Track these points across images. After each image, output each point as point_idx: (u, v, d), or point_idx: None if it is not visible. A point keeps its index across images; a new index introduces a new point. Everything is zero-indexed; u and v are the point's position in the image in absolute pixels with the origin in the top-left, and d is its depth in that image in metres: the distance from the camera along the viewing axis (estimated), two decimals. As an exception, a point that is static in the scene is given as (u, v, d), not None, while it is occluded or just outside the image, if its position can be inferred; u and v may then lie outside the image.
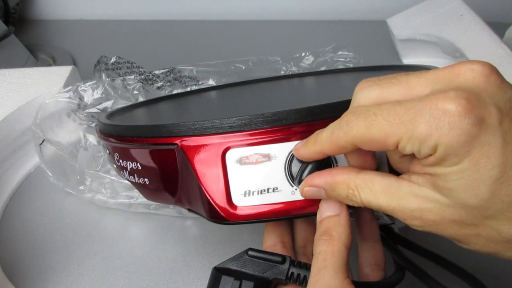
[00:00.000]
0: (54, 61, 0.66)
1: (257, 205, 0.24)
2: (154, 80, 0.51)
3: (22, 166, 0.46)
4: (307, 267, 0.24)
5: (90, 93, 0.45)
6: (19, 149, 0.45)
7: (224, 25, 0.75)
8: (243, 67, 0.52)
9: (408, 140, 0.18)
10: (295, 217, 0.25)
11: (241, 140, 0.23)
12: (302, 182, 0.23)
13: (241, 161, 0.24)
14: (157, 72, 0.51)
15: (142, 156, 0.27)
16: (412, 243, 0.30)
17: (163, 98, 0.43)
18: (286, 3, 0.75)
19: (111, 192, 0.40)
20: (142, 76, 0.50)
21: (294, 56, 0.54)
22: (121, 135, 0.28)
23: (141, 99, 0.48)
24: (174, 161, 0.25)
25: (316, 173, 0.22)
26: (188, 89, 0.51)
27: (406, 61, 0.59)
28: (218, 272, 0.24)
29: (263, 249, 0.26)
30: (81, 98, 0.45)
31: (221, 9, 0.77)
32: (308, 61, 0.53)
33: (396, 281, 0.26)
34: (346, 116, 0.20)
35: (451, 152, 0.17)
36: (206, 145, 0.24)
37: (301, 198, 0.23)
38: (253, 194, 0.24)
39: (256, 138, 0.23)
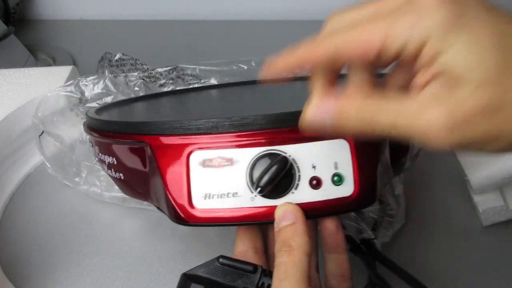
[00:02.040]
0: (54, 61, 0.66)
1: (217, 208, 0.23)
2: (157, 77, 0.51)
3: (22, 166, 0.46)
4: None
5: (91, 87, 0.45)
6: (19, 149, 0.45)
7: (224, 25, 0.75)
8: (246, 67, 0.52)
9: (394, 35, 0.17)
10: (254, 224, 0.25)
11: (206, 143, 0.23)
12: (302, 114, 0.21)
13: (204, 164, 0.23)
14: (159, 70, 0.51)
15: (117, 151, 0.28)
16: (390, 261, 0.30)
17: (154, 96, 0.43)
18: (286, 3, 0.75)
19: (106, 185, 0.40)
20: (145, 73, 0.50)
21: None
22: (99, 129, 0.28)
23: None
24: (144, 158, 0.25)
25: (319, 101, 0.21)
26: (190, 87, 0.51)
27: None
28: (188, 279, 0.23)
29: (234, 255, 0.26)
30: (82, 93, 0.45)
31: (221, 9, 0.77)
32: None
33: None
34: (324, 32, 0.19)
35: (443, 32, 0.16)
36: (172, 145, 0.24)
37: (261, 205, 0.23)
38: (213, 198, 0.23)
39: (221, 142, 0.23)
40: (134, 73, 0.49)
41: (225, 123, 0.23)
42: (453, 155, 0.38)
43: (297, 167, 0.23)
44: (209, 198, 0.23)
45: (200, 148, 0.23)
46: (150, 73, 0.51)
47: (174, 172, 0.24)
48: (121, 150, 0.27)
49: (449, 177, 0.44)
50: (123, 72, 0.51)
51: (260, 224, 0.26)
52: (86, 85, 0.46)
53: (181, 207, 0.24)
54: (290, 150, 0.23)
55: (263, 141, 0.23)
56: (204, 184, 0.24)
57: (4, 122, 0.42)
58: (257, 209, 0.23)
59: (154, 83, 0.51)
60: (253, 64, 0.52)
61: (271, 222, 0.23)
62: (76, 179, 0.41)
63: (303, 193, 0.23)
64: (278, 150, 0.23)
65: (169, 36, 0.72)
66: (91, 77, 0.46)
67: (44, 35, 0.75)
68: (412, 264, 0.34)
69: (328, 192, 0.23)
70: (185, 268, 0.37)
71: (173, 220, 0.24)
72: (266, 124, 0.23)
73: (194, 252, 0.38)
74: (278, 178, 0.22)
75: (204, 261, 0.37)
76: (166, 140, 0.24)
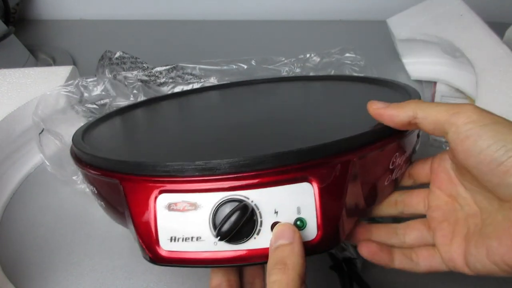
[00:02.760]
0: (54, 61, 0.66)
1: (182, 251, 0.24)
2: (157, 76, 0.51)
3: (22, 166, 0.46)
4: None
5: (91, 89, 0.46)
6: (19, 149, 0.45)
7: (224, 25, 0.75)
8: (245, 67, 0.52)
9: None
10: (218, 267, 0.25)
11: (171, 186, 0.23)
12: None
13: (169, 207, 0.23)
14: (159, 68, 0.51)
15: (96, 182, 0.28)
16: (367, 284, 0.30)
17: (141, 109, 0.42)
18: (286, 3, 0.75)
19: None
20: (145, 72, 0.50)
21: (299, 57, 0.53)
22: (78, 159, 0.29)
23: (140, 98, 0.48)
24: (118, 194, 0.25)
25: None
26: (190, 86, 0.51)
27: (406, 61, 0.59)
28: None
29: None
30: (82, 93, 0.46)
31: (220, 9, 0.77)
32: (313, 62, 0.53)
33: None
34: None
35: None
36: (141, 186, 0.24)
37: (224, 249, 0.23)
38: (178, 240, 0.24)
39: (186, 186, 0.23)
40: (134, 72, 0.49)
41: (190, 166, 0.23)
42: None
43: (259, 212, 0.23)
44: (174, 241, 0.24)
45: (166, 191, 0.23)
46: (150, 72, 0.51)
47: (142, 213, 0.24)
48: (99, 182, 0.27)
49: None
50: (123, 70, 0.52)
51: (224, 267, 0.26)
52: (86, 86, 0.46)
53: (149, 247, 0.24)
54: (253, 196, 0.23)
55: (226, 186, 0.23)
56: (170, 227, 0.24)
57: (4, 122, 0.42)
58: (220, 253, 0.23)
59: (154, 82, 0.51)
60: (253, 64, 0.52)
61: (235, 265, 0.24)
62: (74, 178, 0.41)
63: (265, 238, 0.23)
64: (240, 196, 0.23)
65: (169, 36, 0.73)
66: (91, 79, 0.46)
67: (44, 35, 0.75)
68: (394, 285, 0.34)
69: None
70: (185, 268, 0.37)
71: (144, 257, 0.25)
72: (229, 169, 0.22)
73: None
74: (239, 226, 0.22)
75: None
76: (135, 180, 0.24)
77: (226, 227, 0.22)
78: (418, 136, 0.30)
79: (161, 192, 0.24)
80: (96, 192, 0.28)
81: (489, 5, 0.67)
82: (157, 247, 0.24)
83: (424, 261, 0.26)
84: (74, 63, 0.66)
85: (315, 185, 0.23)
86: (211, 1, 0.76)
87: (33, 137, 0.46)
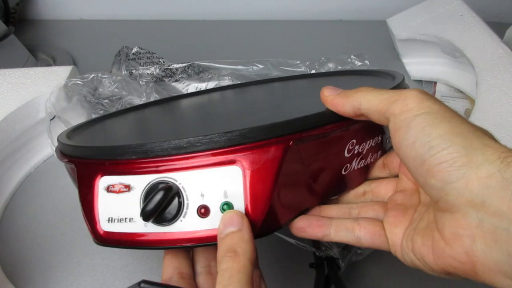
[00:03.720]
0: (54, 61, 0.66)
1: (118, 232, 0.24)
2: (174, 72, 0.52)
3: (22, 166, 0.46)
4: None
5: (105, 84, 0.47)
6: (19, 149, 0.45)
7: (223, 26, 0.75)
8: (261, 66, 0.53)
9: None
10: (151, 249, 0.25)
11: (109, 168, 0.24)
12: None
13: (108, 189, 0.24)
14: (176, 65, 0.52)
15: (67, 168, 0.29)
16: (344, 286, 0.30)
17: (127, 110, 0.42)
18: (286, 3, 0.75)
19: None
20: (161, 69, 0.51)
21: (313, 62, 0.54)
22: (57, 149, 0.30)
23: (152, 97, 0.49)
24: (75, 178, 0.26)
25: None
26: (205, 84, 0.52)
27: (406, 61, 0.59)
28: None
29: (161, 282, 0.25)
30: (96, 87, 0.47)
31: (220, 9, 0.77)
32: (327, 68, 0.53)
33: None
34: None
35: None
36: (86, 168, 0.25)
37: (153, 231, 0.24)
38: (114, 221, 0.24)
39: (121, 168, 0.24)
40: (150, 68, 0.51)
41: (125, 149, 0.23)
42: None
43: (186, 195, 0.23)
44: (111, 222, 0.24)
45: (106, 173, 0.24)
46: (166, 68, 0.51)
47: (86, 195, 0.25)
48: (66, 167, 0.29)
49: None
50: (140, 65, 0.52)
51: (155, 250, 0.26)
52: (101, 81, 0.47)
53: (92, 227, 0.25)
54: (180, 178, 0.23)
55: (156, 168, 0.23)
56: (107, 208, 0.24)
57: (4, 122, 0.42)
58: (150, 235, 0.24)
59: (170, 78, 0.51)
60: (269, 65, 0.53)
61: (166, 247, 0.24)
62: None
63: (191, 221, 0.23)
64: (169, 178, 0.23)
65: (169, 36, 0.73)
66: (106, 75, 0.47)
67: (44, 35, 0.75)
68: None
69: (216, 221, 0.23)
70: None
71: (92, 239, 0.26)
72: (160, 152, 0.23)
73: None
74: (162, 207, 0.22)
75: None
76: (82, 163, 0.25)
77: (149, 206, 0.22)
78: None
79: (102, 174, 0.24)
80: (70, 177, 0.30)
81: (489, 5, 0.67)
82: (97, 227, 0.25)
83: (367, 237, 0.24)
84: (74, 63, 0.66)
85: (243, 169, 0.22)
86: (211, 1, 0.76)
87: (33, 137, 0.46)
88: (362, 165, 0.27)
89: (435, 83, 0.56)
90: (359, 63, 0.53)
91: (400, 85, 0.29)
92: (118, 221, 0.24)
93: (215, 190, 0.23)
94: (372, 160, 0.27)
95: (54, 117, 0.44)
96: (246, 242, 0.21)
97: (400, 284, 0.32)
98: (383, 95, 0.22)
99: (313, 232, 0.25)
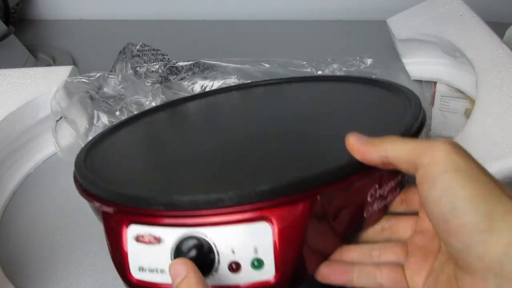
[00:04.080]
0: (54, 61, 0.66)
1: (149, 281, 0.25)
2: (179, 70, 0.52)
3: (22, 166, 0.46)
4: None
5: (110, 84, 0.47)
6: (19, 149, 0.45)
7: (223, 26, 0.75)
8: (267, 65, 0.53)
9: None
10: None
11: (137, 218, 0.24)
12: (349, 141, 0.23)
13: (137, 239, 0.24)
14: (181, 63, 0.52)
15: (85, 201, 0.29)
16: None
17: (140, 119, 0.42)
18: (286, 3, 0.75)
19: None
20: (167, 66, 0.51)
21: (320, 64, 0.54)
22: (74, 175, 0.30)
23: (159, 98, 0.49)
24: (100, 216, 0.27)
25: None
26: (210, 83, 0.51)
27: (406, 61, 0.59)
28: None
29: None
30: (101, 86, 0.47)
31: (220, 9, 0.77)
32: (332, 69, 0.53)
33: None
34: None
35: None
36: (114, 214, 0.25)
37: None
38: (146, 271, 0.25)
39: (150, 219, 0.24)
40: (155, 65, 0.51)
41: (154, 201, 0.24)
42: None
43: (217, 251, 0.23)
44: (143, 271, 0.25)
45: (134, 222, 0.24)
46: (172, 66, 0.51)
47: (115, 241, 0.25)
48: (90, 205, 0.29)
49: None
50: (145, 63, 0.52)
51: None
52: (106, 80, 0.47)
53: (122, 273, 0.25)
54: (211, 233, 0.23)
55: (187, 222, 0.23)
56: (138, 258, 0.25)
57: (4, 122, 0.42)
58: None
59: (175, 76, 0.51)
60: (275, 65, 0.53)
61: None
62: None
63: (222, 276, 0.23)
64: (200, 233, 0.23)
65: (169, 36, 0.72)
66: (112, 76, 0.47)
67: (44, 35, 0.75)
68: None
69: (248, 276, 0.23)
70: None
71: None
72: (189, 206, 0.23)
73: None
74: (197, 262, 0.23)
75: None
76: (110, 207, 0.25)
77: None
78: None
79: (130, 222, 0.25)
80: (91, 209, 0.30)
81: (489, 5, 0.67)
82: (128, 275, 0.25)
83: (388, 283, 0.25)
84: (74, 63, 0.66)
85: (272, 225, 0.23)
86: (211, 1, 0.76)
87: (33, 137, 0.46)
88: (382, 205, 0.27)
89: (435, 83, 0.56)
90: (363, 65, 0.53)
91: (415, 113, 0.29)
92: (149, 271, 0.25)
93: (246, 247, 0.23)
94: (391, 199, 0.28)
95: (60, 118, 0.44)
96: (194, 285, 0.22)
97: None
98: (411, 145, 0.21)
99: (336, 278, 0.25)
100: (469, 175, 0.19)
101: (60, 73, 0.47)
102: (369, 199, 0.26)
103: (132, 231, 0.25)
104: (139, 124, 0.41)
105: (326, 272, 0.25)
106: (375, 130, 0.26)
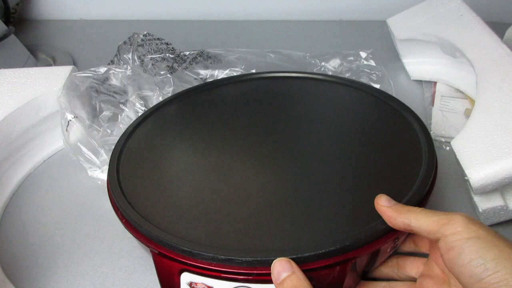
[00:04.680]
0: (54, 61, 0.66)
1: None
2: (184, 60, 0.53)
3: (22, 166, 0.46)
4: None
5: (118, 77, 0.48)
6: (19, 149, 0.45)
7: (223, 26, 0.75)
8: (273, 56, 0.54)
9: None
10: None
11: (192, 267, 0.27)
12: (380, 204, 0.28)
13: (190, 285, 0.27)
14: (186, 53, 0.53)
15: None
16: None
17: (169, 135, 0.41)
18: (286, 3, 0.75)
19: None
20: (171, 56, 0.52)
21: (320, 55, 0.55)
22: (119, 213, 0.33)
23: (166, 88, 0.49)
24: (150, 257, 0.30)
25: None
26: (215, 72, 0.52)
27: (406, 61, 0.59)
28: None
29: None
30: (106, 79, 0.48)
31: (220, 9, 0.77)
32: (333, 64, 0.54)
33: None
34: None
35: None
36: (166, 260, 0.28)
37: None
38: None
39: (204, 270, 0.27)
40: (160, 55, 0.52)
41: (208, 254, 0.27)
42: (453, 155, 0.38)
43: None
44: None
45: (187, 270, 0.27)
46: (177, 56, 0.52)
47: (167, 283, 0.28)
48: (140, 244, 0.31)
49: (448, 177, 0.43)
50: (149, 52, 0.53)
51: None
52: (114, 74, 0.48)
53: None
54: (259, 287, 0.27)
55: (239, 277, 0.26)
56: None
57: (4, 122, 0.42)
58: None
59: (180, 64, 0.52)
60: (283, 54, 0.54)
61: None
62: (87, 166, 0.43)
63: None
64: (250, 287, 0.27)
65: (169, 36, 0.72)
66: (120, 70, 0.48)
67: (44, 35, 0.75)
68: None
69: None
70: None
71: None
72: (242, 263, 0.26)
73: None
74: None
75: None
76: (161, 254, 0.28)
77: None
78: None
79: (182, 270, 0.27)
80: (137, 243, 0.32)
81: (489, 5, 0.67)
82: None
83: None
84: (74, 63, 0.66)
85: (315, 283, 0.26)
86: (211, 1, 0.76)
87: (33, 137, 0.46)
88: (393, 251, 0.32)
89: (435, 83, 0.56)
90: (363, 62, 0.54)
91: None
92: None
93: None
94: (404, 240, 0.32)
95: (74, 117, 0.44)
96: (303, 280, 0.25)
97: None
98: (432, 218, 0.25)
99: None
100: (490, 241, 0.23)
101: (60, 73, 0.47)
102: (389, 250, 0.30)
103: (185, 277, 0.27)
104: (166, 124, 0.42)
105: None
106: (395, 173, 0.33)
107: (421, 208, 0.27)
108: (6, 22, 0.62)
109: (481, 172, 0.35)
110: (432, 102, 0.53)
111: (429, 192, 0.31)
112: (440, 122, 0.50)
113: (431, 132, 0.49)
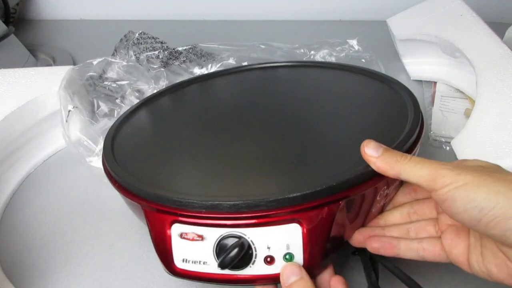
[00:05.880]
0: (54, 61, 0.66)
1: (192, 270, 0.28)
2: (177, 56, 0.55)
3: (22, 166, 0.46)
4: None
5: (115, 69, 0.49)
6: (19, 149, 0.45)
7: (223, 25, 0.75)
8: (263, 47, 0.56)
9: None
10: (223, 285, 0.29)
11: (183, 218, 0.28)
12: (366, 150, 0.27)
13: (181, 236, 0.28)
14: (180, 48, 0.55)
15: (125, 200, 0.32)
16: (393, 265, 0.32)
17: (163, 102, 0.44)
18: (286, 3, 0.75)
19: None
20: (165, 53, 0.53)
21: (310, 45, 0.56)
22: (110, 176, 0.33)
23: (160, 82, 0.50)
24: (142, 215, 0.30)
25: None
26: (209, 66, 0.53)
27: (406, 61, 0.59)
28: None
29: None
30: (104, 71, 0.49)
31: (220, 9, 0.77)
32: (322, 54, 0.56)
33: None
34: None
35: None
36: (158, 214, 0.28)
37: (225, 273, 0.28)
38: (189, 262, 0.28)
39: (193, 219, 0.27)
40: (154, 52, 0.53)
41: (198, 203, 0.27)
42: (453, 154, 0.38)
43: (254, 247, 0.27)
44: (186, 262, 0.28)
45: (178, 222, 0.28)
46: (170, 52, 0.54)
47: (160, 237, 0.28)
48: (126, 200, 0.32)
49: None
50: (144, 50, 0.54)
51: (228, 285, 0.29)
52: (109, 65, 0.49)
53: (166, 264, 0.29)
54: (249, 233, 0.27)
55: (228, 223, 0.27)
56: (182, 251, 0.28)
57: (4, 122, 0.42)
58: (223, 276, 0.28)
59: (174, 61, 0.54)
60: (274, 45, 0.56)
61: (235, 285, 0.28)
62: (91, 159, 0.43)
63: (258, 268, 0.28)
64: (240, 232, 0.27)
65: (169, 36, 0.72)
66: (116, 60, 0.49)
67: (44, 35, 0.75)
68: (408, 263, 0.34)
69: (280, 267, 0.27)
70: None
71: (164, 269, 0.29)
72: (230, 209, 0.26)
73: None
74: (237, 259, 0.26)
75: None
76: (153, 208, 0.29)
77: (227, 260, 0.26)
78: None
79: (173, 222, 0.28)
80: (126, 204, 0.33)
81: (489, 5, 0.67)
82: (173, 266, 0.29)
83: (430, 256, 0.29)
84: (74, 63, 0.66)
85: (302, 226, 0.27)
86: (211, 1, 0.76)
87: (33, 137, 0.46)
88: (386, 201, 0.32)
89: (435, 83, 0.56)
90: (352, 49, 0.56)
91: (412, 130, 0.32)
92: (192, 263, 0.28)
93: (279, 244, 0.27)
94: (394, 193, 0.32)
95: (73, 107, 0.44)
96: (310, 286, 0.26)
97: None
98: (420, 172, 0.25)
99: (386, 252, 0.30)
100: (477, 182, 0.23)
101: (60, 73, 0.47)
102: (378, 197, 0.30)
103: (176, 228, 0.28)
104: (162, 109, 0.43)
105: (376, 247, 0.30)
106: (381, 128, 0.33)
107: (409, 157, 0.26)
108: (6, 22, 0.62)
109: (481, 172, 0.35)
110: (432, 102, 0.53)
111: (418, 136, 0.32)
112: (440, 122, 0.50)
113: (431, 132, 0.49)
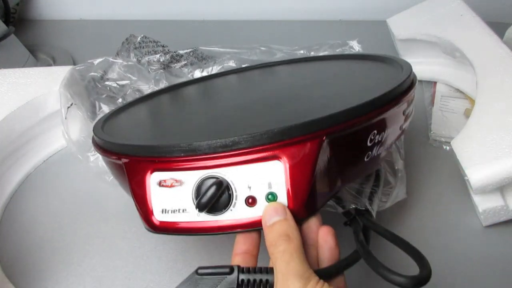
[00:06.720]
0: (54, 61, 0.66)
1: (172, 221, 0.27)
2: (178, 59, 0.55)
3: (22, 166, 0.46)
4: (255, 270, 0.25)
5: (116, 69, 0.49)
6: (19, 149, 0.45)
7: (223, 25, 0.75)
8: (264, 49, 0.56)
9: None
10: (203, 235, 0.28)
11: (161, 165, 0.27)
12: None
13: (160, 184, 0.27)
14: (180, 51, 0.56)
15: (108, 164, 0.32)
16: (381, 227, 0.31)
17: (154, 97, 0.45)
18: (286, 3, 0.75)
19: None
20: (167, 56, 0.54)
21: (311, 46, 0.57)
22: (95, 143, 0.33)
23: (161, 84, 0.51)
24: (123, 173, 0.29)
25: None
26: (210, 68, 0.55)
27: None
28: None
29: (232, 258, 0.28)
30: (105, 71, 0.49)
31: (220, 9, 0.77)
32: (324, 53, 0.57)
33: (352, 261, 0.27)
34: None
35: None
36: (137, 165, 0.28)
37: (205, 219, 0.27)
38: (168, 212, 0.27)
39: (172, 165, 0.26)
40: (156, 56, 0.54)
41: (175, 148, 0.26)
42: (453, 154, 0.38)
43: (234, 188, 0.26)
44: (165, 212, 0.27)
45: (157, 170, 0.27)
46: (172, 55, 0.55)
47: (139, 189, 0.28)
48: (107, 162, 0.32)
49: (449, 177, 0.44)
50: (146, 53, 0.55)
51: (207, 235, 0.28)
52: (112, 66, 0.49)
53: (146, 218, 0.28)
54: (228, 173, 0.26)
55: (205, 165, 0.26)
56: (161, 201, 0.27)
57: (4, 122, 0.42)
58: (203, 223, 0.27)
59: (175, 64, 0.54)
60: (274, 47, 0.56)
61: (215, 234, 0.27)
62: (89, 154, 0.43)
63: (240, 210, 0.26)
64: (218, 173, 0.26)
65: (169, 36, 0.72)
66: (118, 61, 0.49)
67: (44, 35, 0.75)
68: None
69: (263, 209, 0.26)
70: (185, 267, 0.37)
71: (144, 227, 0.28)
72: (207, 150, 0.25)
73: (194, 251, 0.38)
74: (215, 199, 0.25)
75: (204, 262, 0.37)
76: (133, 160, 0.28)
77: (204, 200, 0.25)
78: (406, 114, 0.31)
79: (153, 170, 0.27)
80: (110, 171, 0.33)
81: (489, 5, 0.67)
82: (151, 218, 0.27)
83: None
84: (74, 63, 0.66)
85: (284, 163, 0.25)
86: (211, 1, 0.76)
87: (33, 137, 0.46)
88: (382, 152, 0.30)
89: (435, 83, 0.56)
90: (353, 50, 0.57)
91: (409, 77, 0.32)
92: (171, 212, 0.27)
93: (261, 183, 0.26)
94: (390, 147, 0.31)
95: (71, 104, 0.44)
96: (294, 229, 0.25)
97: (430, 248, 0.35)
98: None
99: None
100: None
101: (60, 73, 0.47)
102: (369, 143, 0.28)
103: (155, 177, 0.27)
104: (152, 100, 0.44)
105: None
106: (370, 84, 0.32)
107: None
108: (6, 22, 0.62)
109: (481, 172, 0.35)
110: (432, 102, 0.53)
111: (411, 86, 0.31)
112: (440, 122, 0.50)
113: (431, 132, 0.49)
